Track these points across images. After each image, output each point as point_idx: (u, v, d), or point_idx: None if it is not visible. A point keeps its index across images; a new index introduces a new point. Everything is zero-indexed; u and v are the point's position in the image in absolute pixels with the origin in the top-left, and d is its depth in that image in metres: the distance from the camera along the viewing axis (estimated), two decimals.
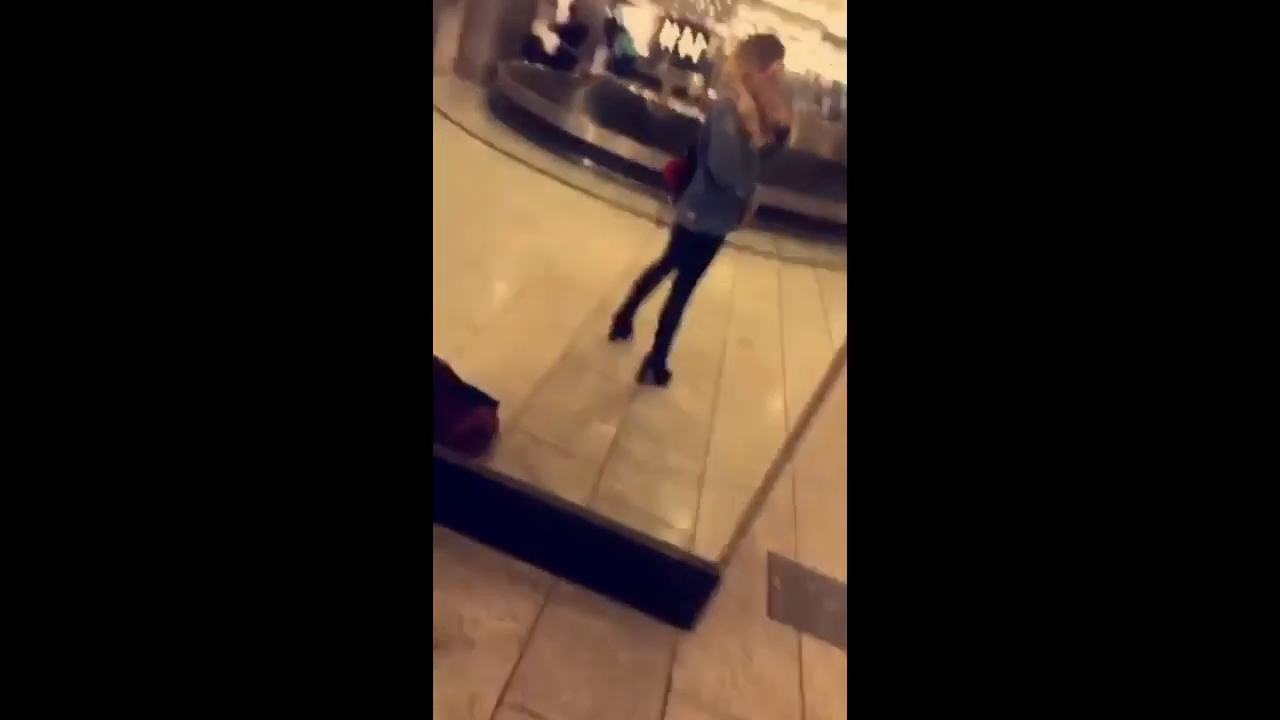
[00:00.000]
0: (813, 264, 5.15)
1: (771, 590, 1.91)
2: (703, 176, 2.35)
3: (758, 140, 2.25)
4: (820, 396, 1.40)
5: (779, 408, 2.94)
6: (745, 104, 2.20)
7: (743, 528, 1.59)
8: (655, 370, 2.67)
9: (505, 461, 2.01)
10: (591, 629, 1.61)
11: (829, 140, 9.52)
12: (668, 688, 1.54)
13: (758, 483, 1.56)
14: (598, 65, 10.10)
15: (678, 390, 2.72)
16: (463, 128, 5.68)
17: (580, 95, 7.45)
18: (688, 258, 2.51)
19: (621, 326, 2.91)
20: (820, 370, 1.39)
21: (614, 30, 11.24)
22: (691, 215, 2.39)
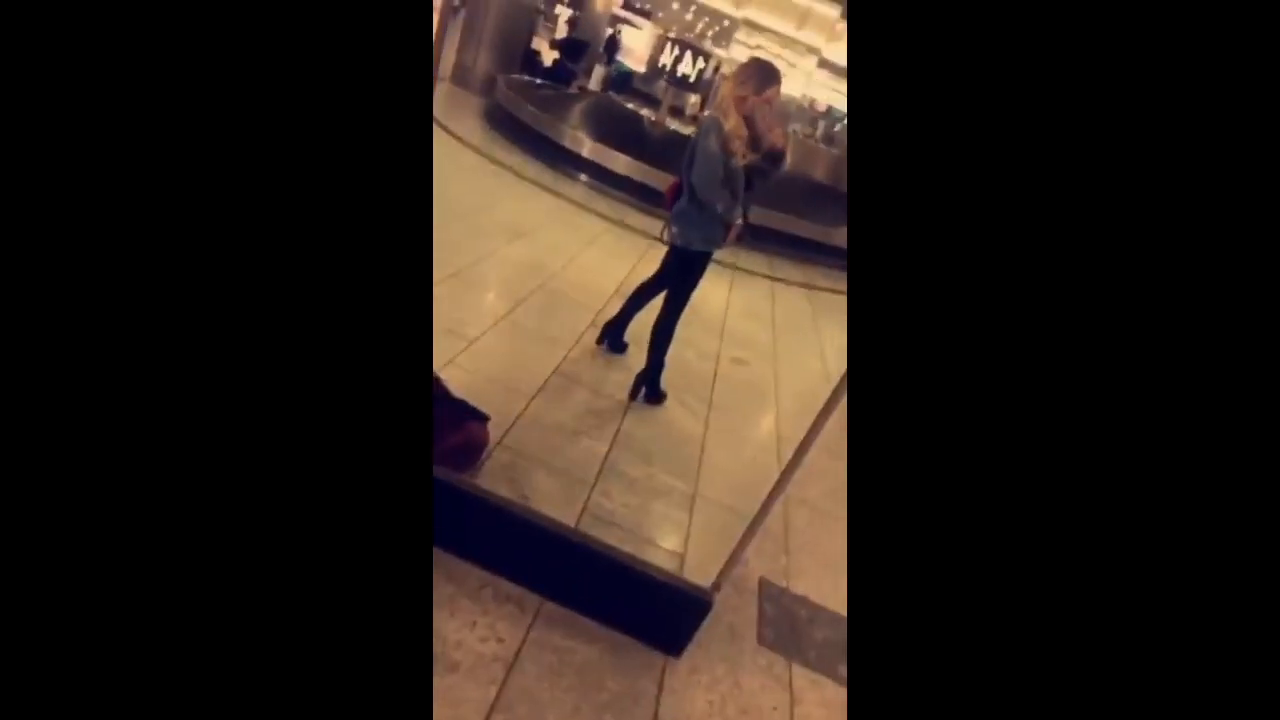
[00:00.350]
0: (806, 285, 5.18)
1: (762, 617, 1.88)
2: (687, 193, 2.38)
3: (740, 159, 2.27)
4: (817, 426, 1.38)
5: (771, 428, 2.93)
6: (731, 122, 2.22)
7: (735, 556, 1.56)
8: (648, 389, 2.65)
9: (493, 477, 1.98)
10: (578, 653, 1.57)
11: (823, 163, 9.66)
12: (655, 716, 1.50)
13: (749, 504, 1.54)
14: (595, 82, 10.20)
15: (670, 409, 2.70)
16: (459, 138, 5.68)
17: (578, 110, 7.49)
18: (675, 274, 2.55)
19: (613, 338, 2.90)
20: (812, 390, 1.37)
21: (614, 49, 11.36)
22: (676, 231, 2.44)
